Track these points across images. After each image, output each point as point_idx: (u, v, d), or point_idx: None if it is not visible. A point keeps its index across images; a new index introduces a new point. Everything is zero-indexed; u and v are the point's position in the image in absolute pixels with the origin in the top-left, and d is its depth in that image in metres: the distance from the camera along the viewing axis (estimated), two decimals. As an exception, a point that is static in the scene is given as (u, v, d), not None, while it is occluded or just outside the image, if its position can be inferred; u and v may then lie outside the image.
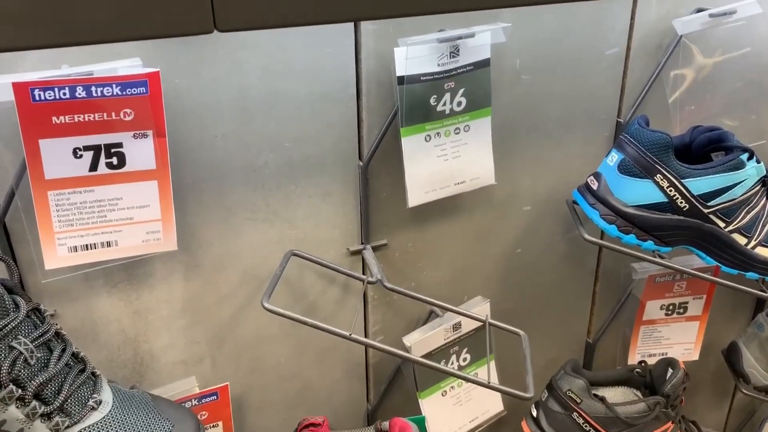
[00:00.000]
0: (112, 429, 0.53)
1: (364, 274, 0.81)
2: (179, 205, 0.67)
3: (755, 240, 0.79)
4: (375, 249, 0.81)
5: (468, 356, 0.88)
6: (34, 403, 0.50)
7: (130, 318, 0.72)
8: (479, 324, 0.86)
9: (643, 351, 1.03)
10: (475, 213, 0.87)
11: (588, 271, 1.00)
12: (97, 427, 0.52)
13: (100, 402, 0.54)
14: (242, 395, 0.81)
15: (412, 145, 0.73)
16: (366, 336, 0.88)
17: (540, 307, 0.98)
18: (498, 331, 0.85)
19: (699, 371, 1.21)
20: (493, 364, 0.89)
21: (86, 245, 0.62)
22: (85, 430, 0.52)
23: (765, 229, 0.80)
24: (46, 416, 0.50)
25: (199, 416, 0.75)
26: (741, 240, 0.79)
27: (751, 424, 1.32)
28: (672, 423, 0.91)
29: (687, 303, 1.00)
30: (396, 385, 0.91)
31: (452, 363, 0.87)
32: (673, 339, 1.03)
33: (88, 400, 0.53)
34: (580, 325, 1.04)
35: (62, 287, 0.66)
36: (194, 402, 0.74)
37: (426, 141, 0.74)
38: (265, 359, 0.81)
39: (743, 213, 0.78)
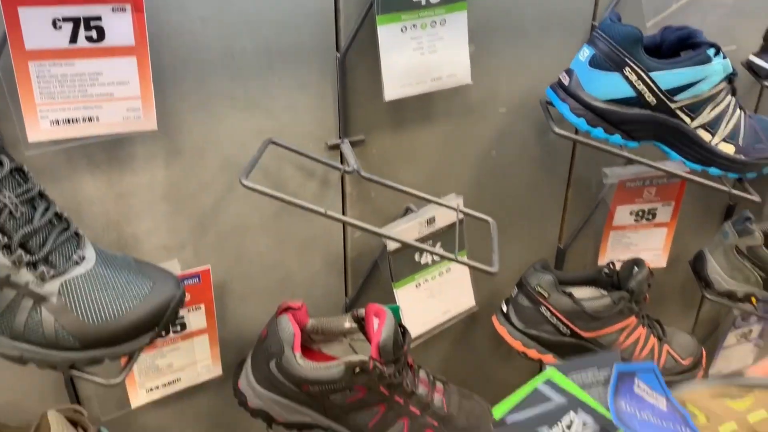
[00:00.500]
0: (95, 281, 0.56)
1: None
2: (159, 89, 0.68)
3: (719, 136, 0.82)
4: (353, 144, 0.83)
5: (441, 250, 0.91)
6: (20, 251, 0.53)
7: (113, 201, 0.74)
8: (452, 221, 0.89)
9: (613, 256, 1.07)
10: (452, 114, 0.89)
11: (560, 176, 1.03)
12: (80, 280, 0.55)
13: (84, 258, 0.57)
14: (224, 282, 0.85)
15: (388, 35, 0.74)
16: (344, 233, 0.91)
17: (513, 211, 1.01)
18: (470, 231, 0.88)
19: (667, 283, 1.26)
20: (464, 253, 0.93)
21: (68, 119, 0.64)
22: (69, 281, 0.55)
23: (729, 126, 0.82)
24: (32, 265, 0.53)
25: (182, 298, 0.78)
26: (705, 136, 0.82)
27: (715, 336, 1.38)
28: (636, 317, 0.95)
29: (656, 209, 1.04)
30: (373, 280, 0.94)
31: (426, 257, 0.90)
32: (642, 245, 1.07)
33: (72, 255, 0.56)
34: (552, 231, 1.08)
35: (46, 165, 0.68)
36: (177, 283, 0.78)
37: (402, 32, 0.75)
38: (247, 248, 0.84)
39: (708, 109, 0.81)
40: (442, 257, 0.77)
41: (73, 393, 0.81)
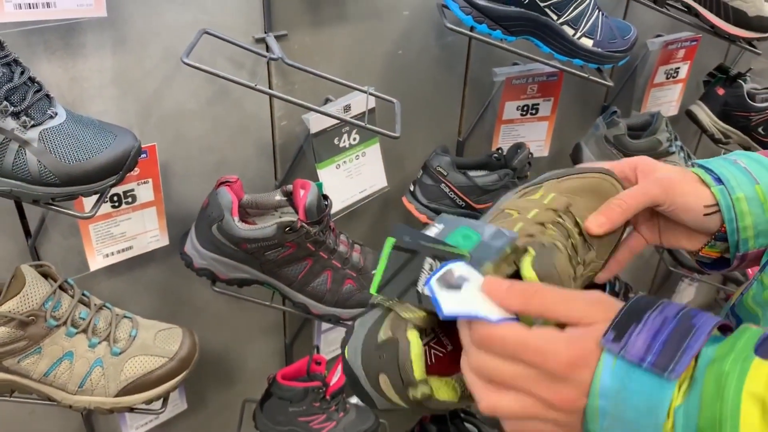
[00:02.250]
0: (68, 131, 0.68)
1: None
2: (106, -19, 0.79)
3: (581, 31, 1.00)
4: (276, 39, 0.96)
5: (357, 137, 1.07)
6: (5, 103, 0.64)
7: (68, 84, 0.85)
8: (365, 110, 1.04)
9: (504, 146, 1.25)
10: (363, 16, 1.03)
11: (458, 75, 1.19)
12: (56, 129, 0.67)
13: (56, 113, 0.69)
14: (167, 162, 0.97)
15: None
16: (272, 121, 1.05)
17: (418, 106, 1.18)
18: (382, 122, 1.04)
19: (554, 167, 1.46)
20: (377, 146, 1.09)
21: (29, 4, 0.74)
22: (46, 130, 0.67)
23: (589, 23, 1.00)
24: (15, 115, 0.65)
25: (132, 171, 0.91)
26: (569, 31, 1.00)
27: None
28: (519, 192, 1.14)
29: (538, 104, 1.23)
30: (299, 164, 1.09)
31: (344, 141, 1.05)
32: (528, 137, 1.26)
33: (47, 111, 0.68)
34: (452, 125, 1.25)
35: (9, 47, 0.78)
36: (127, 158, 0.90)
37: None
38: (186, 132, 0.97)
39: (572, 8, 0.98)
40: (357, 126, 0.91)
41: (36, 257, 0.93)
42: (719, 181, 0.60)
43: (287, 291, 0.99)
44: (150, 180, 0.94)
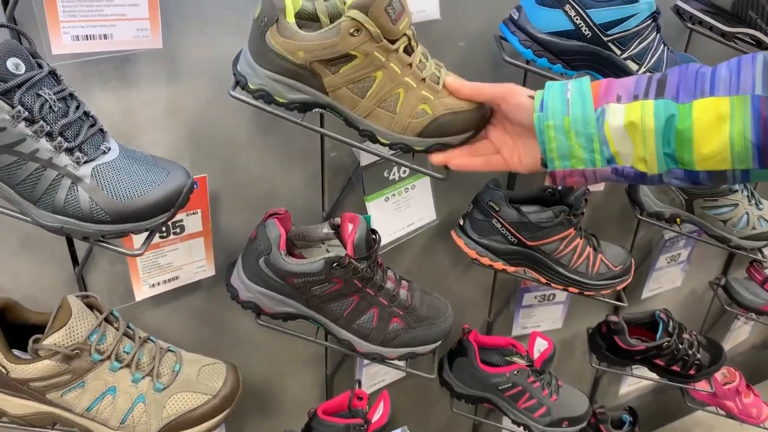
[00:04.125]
0: (120, 168, 0.67)
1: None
2: (163, 13, 0.79)
3: (645, 67, 0.96)
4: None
5: (407, 170, 1.04)
6: (60, 138, 0.63)
7: (121, 114, 0.85)
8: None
9: (557, 180, 1.21)
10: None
11: (513, 107, 1.16)
12: (109, 165, 0.66)
13: (110, 149, 0.68)
14: (217, 192, 0.96)
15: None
16: (322, 152, 1.03)
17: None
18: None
19: (606, 208, 1.41)
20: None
21: (87, 35, 0.74)
22: (99, 166, 0.66)
23: (654, 58, 0.96)
24: (69, 150, 0.64)
25: (181, 202, 0.89)
26: (633, 66, 0.95)
27: (648, 260, 1.55)
28: (574, 229, 1.10)
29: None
30: (347, 196, 1.07)
31: (394, 174, 1.03)
32: (583, 170, 1.21)
33: (100, 146, 0.67)
34: (505, 157, 1.21)
35: (64, 77, 0.78)
36: (177, 188, 0.89)
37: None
38: (237, 162, 0.96)
39: (636, 43, 0.94)
40: (404, 166, 0.88)
41: (83, 287, 0.92)
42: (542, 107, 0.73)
43: (332, 327, 0.96)
44: (199, 211, 0.93)
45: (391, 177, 1.03)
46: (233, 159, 0.95)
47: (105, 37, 0.75)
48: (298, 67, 0.77)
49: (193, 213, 0.92)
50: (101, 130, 0.69)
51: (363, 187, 1.01)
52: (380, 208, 1.04)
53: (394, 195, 1.05)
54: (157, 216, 0.68)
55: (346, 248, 0.93)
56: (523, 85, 1.14)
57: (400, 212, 1.07)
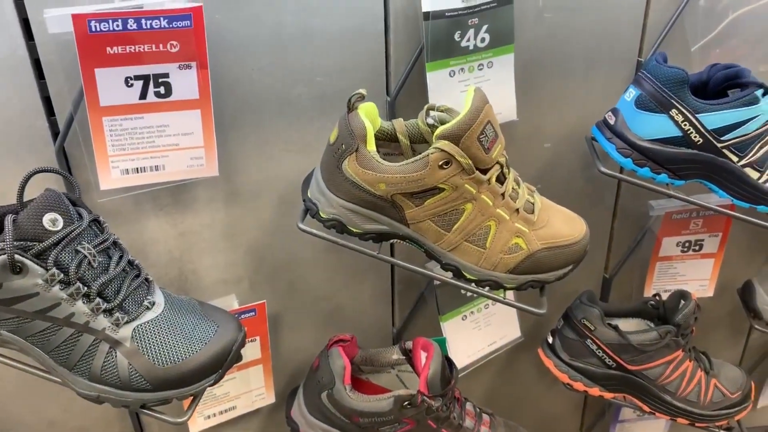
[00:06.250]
0: (164, 326, 0.59)
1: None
2: (220, 136, 0.72)
3: (767, 175, 0.82)
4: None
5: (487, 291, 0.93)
6: (98, 299, 0.57)
7: (176, 239, 0.79)
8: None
9: (659, 287, 1.07)
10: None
11: (606, 207, 1.04)
12: (151, 324, 0.59)
13: (154, 303, 0.61)
14: (278, 314, 0.88)
15: (437, 79, 0.77)
16: (392, 267, 0.93)
17: (559, 241, 1.02)
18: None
19: (715, 311, 1.25)
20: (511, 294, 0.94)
21: (137, 168, 0.68)
22: (140, 326, 0.59)
23: (778, 164, 0.82)
24: (108, 312, 0.57)
25: (238, 330, 0.82)
26: (753, 174, 0.82)
27: (764, 365, 1.36)
28: (682, 351, 0.95)
29: (703, 240, 1.04)
30: (420, 311, 0.97)
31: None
32: (689, 275, 1.07)
33: (143, 301, 0.60)
34: (598, 261, 1.09)
35: (115, 209, 0.73)
36: (234, 317, 0.81)
37: (450, 76, 0.78)
38: (300, 282, 0.88)
39: (756, 148, 0.81)
40: (492, 299, 0.78)
41: (136, 421, 0.85)
42: None
43: (403, 469, 0.85)
44: (258, 338, 0.85)
45: (468, 293, 0.92)
46: (295, 279, 0.87)
47: (156, 168, 0.69)
48: (378, 199, 0.68)
49: (251, 341, 0.84)
50: (146, 280, 0.62)
51: (437, 306, 0.91)
52: (457, 327, 0.93)
53: (472, 312, 0.94)
54: (204, 378, 0.60)
55: (419, 379, 0.83)
56: (618, 188, 1.02)
57: (480, 331, 0.95)
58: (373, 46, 0.77)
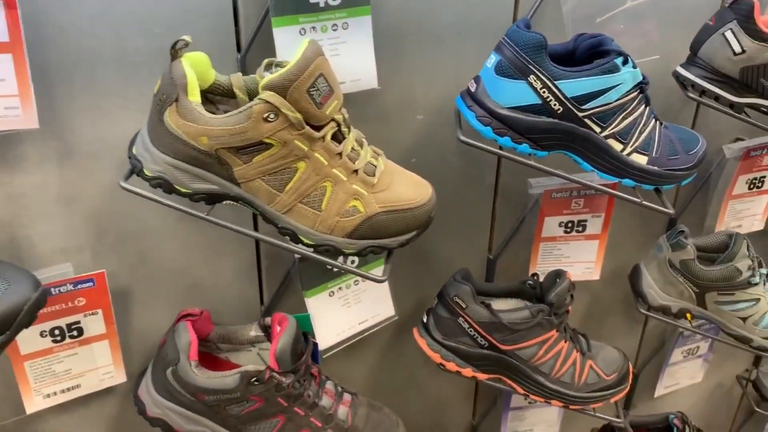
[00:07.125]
0: (-58, 282, 0.54)
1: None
2: (43, 88, 0.67)
3: (631, 146, 0.81)
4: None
5: (356, 258, 0.89)
6: None
7: (3, 201, 0.73)
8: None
9: (543, 268, 1.05)
10: (368, 119, 0.87)
11: (487, 185, 1.01)
12: (-72, 280, 0.54)
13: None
14: (127, 287, 0.83)
15: (286, 37, 0.73)
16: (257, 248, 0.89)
17: (439, 221, 0.99)
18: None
19: (611, 298, 1.24)
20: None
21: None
22: None
23: (642, 136, 0.81)
24: None
25: (76, 302, 0.77)
26: (616, 146, 0.80)
27: (662, 353, 1.36)
28: (556, 331, 0.93)
29: (585, 221, 1.02)
30: (290, 288, 0.93)
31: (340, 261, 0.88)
32: (573, 257, 1.05)
33: None
34: (482, 241, 1.06)
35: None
36: (70, 287, 0.76)
37: (301, 34, 0.74)
38: (150, 253, 0.83)
39: (619, 119, 0.79)
40: (335, 267, 0.74)
41: (-35, 398, 0.79)
42: None
43: (256, 451, 0.81)
44: (99, 311, 0.79)
45: (335, 269, 0.88)
46: (146, 250, 0.82)
47: (-36, 117, 0.64)
48: (203, 154, 0.64)
49: (92, 313, 0.79)
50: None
51: (301, 281, 0.87)
52: (323, 304, 0.89)
53: (340, 288, 0.90)
54: (-11, 340, 0.55)
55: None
56: (497, 169, 1.00)
57: (350, 308, 0.92)
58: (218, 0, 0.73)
